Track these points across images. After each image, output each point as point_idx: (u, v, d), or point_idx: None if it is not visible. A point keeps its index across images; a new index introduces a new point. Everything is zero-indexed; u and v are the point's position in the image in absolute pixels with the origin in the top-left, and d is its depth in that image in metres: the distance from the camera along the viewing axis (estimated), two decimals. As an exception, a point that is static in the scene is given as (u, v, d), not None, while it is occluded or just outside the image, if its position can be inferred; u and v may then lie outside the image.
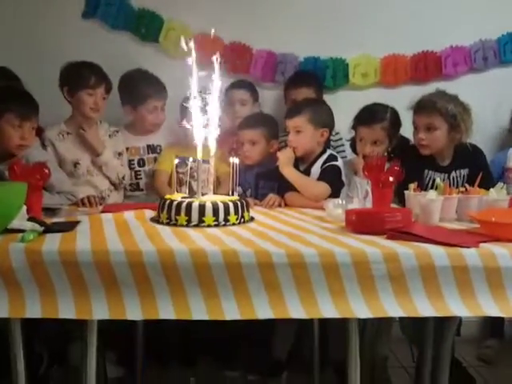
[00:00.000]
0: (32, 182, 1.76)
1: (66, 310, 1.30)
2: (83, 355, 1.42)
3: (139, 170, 2.64)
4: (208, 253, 1.33)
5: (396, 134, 2.34)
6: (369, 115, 2.31)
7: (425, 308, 1.32)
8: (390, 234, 1.48)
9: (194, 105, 1.83)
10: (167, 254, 1.32)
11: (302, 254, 1.33)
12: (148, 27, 2.88)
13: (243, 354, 2.32)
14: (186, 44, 1.82)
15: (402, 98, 2.39)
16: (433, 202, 1.71)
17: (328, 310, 1.30)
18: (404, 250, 1.36)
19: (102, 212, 1.99)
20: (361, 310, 1.31)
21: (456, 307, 1.33)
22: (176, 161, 2.07)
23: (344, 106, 2.61)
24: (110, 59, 2.62)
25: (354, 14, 2.89)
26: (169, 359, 2.35)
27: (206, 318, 1.29)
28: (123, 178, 2.55)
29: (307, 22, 2.87)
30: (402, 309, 1.32)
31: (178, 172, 2.44)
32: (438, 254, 1.35)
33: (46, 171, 1.81)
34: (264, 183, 2.42)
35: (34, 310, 1.29)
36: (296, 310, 1.30)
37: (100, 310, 1.30)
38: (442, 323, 1.45)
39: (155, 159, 2.64)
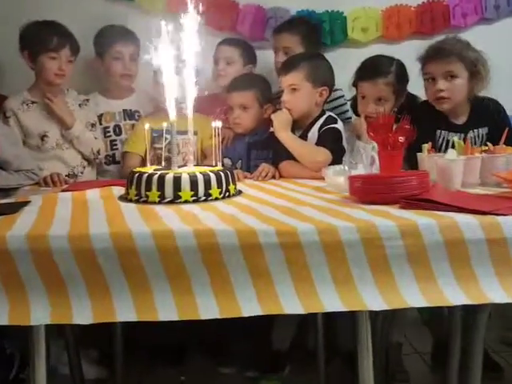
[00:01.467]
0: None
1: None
2: (30, 364, 1.15)
3: (115, 140, 2.34)
4: (176, 234, 1.04)
5: (403, 91, 2.03)
6: (371, 69, 2.00)
7: (454, 294, 1.04)
8: (405, 203, 1.20)
9: (167, 66, 1.54)
10: (123, 238, 1.04)
11: (296, 231, 1.05)
12: (121, -18, 2.56)
13: (239, 348, 2.05)
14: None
15: (407, 54, 2.09)
16: (453, 163, 1.43)
17: (332, 302, 1.02)
18: (425, 220, 1.07)
19: (64, 191, 1.71)
20: (373, 300, 1.02)
21: (494, 292, 1.05)
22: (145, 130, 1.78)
23: (343, 64, 2.30)
24: (78, 20, 2.34)
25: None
26: (154, 356, 2.08)
27: (175, 318, 1.01)
28: (98, 151, 2.26)
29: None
30: (425, 297, 1.04)
31: (155, 148, 2.16)
32: (467, 224, 1.07)
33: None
34: (257, 153, 2.13)
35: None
36: (291, 304, 1.02)
37: (40, 314, 1.02)
38: (472, 309, 1.16)
39: (133, 126, 2.34)
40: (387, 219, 1.09)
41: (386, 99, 1.98)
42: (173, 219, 1.18)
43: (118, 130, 2.35)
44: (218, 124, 1.65)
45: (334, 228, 1.05)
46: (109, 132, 2.33)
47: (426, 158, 1.56)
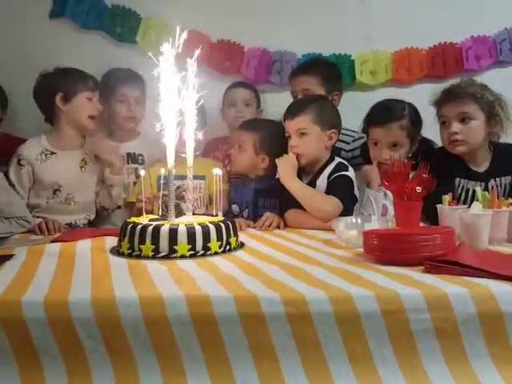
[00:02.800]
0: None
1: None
2: None
3: None
4: (166, 300, 0.91)
5: (417, 135, 1.92)
6: (384, 113, 1.90)
7: (491, 379, 0.89)
8: (430, 266, 1.06)
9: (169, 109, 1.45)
10: (106, 305, 0.90)
11: (305, 299, 0.91)
12: (123, 26, 2.52)
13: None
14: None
15: (419, 98, 2.02)
16: (480, 219, 1.28)
17: (347, 387, 0.87)
18: (455, 289, 0.93)
19: (54, 241, 1.58)
20: (397, 385, 0.87)
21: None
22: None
23: (351, 108, 2.21)
24: (81, 62, 2.26)
25: (358, 3, 2.50)
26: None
27: (163, 404, 0.86)
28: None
29: (304, 14, 2.49)
30: (457, 382, 0.88)
31: (163, 195, 2.04)
32: (504, 293, 0.93)
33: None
34: (264, 201, 1.99)
35: None
36: (299, 390, 0.87)
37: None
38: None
39: (136, 171, 2.24)
40: (411, 287, 0.95)
41: (400, 144, 1.87)
42: (165, 281, 1.05)
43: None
44: (218, 171, 1.53)
45: (349, 296, 0.91)
46: None
47: (448, 210, 1.43)
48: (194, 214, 1.54)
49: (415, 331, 0.90)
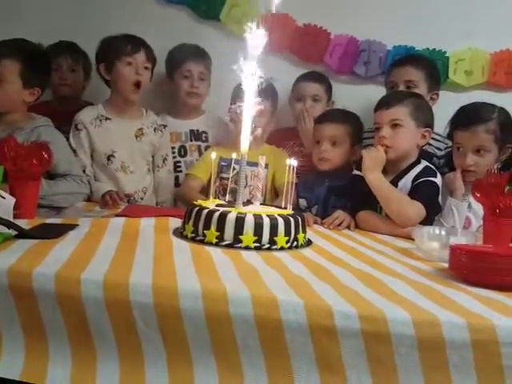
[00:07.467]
0: (26, 167, 1.37)
1: (10, 368, 0.85)
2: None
3: (179, 161, 2.20)
4: (230, 298, 0.83)
5: (508, 141, 1.73)
6: (469, 115, 1.73)
7: None
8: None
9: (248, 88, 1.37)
10: (167, 294, 0.84)
11: (385, 317, 0.81)
12: (209, 3, 2.46)
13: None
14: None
15: None
16: None
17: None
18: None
19: (119, 215, 1.55)
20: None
21: None
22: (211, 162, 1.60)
23: (441, 109, 2.03)
24: (163, 37, 2.25)
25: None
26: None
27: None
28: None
29: (397, 3, 2.32)
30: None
31: (221, 178, 1.99)
32: None
33: (46, 156, 1.40)
34: (336, 200, 1.87)
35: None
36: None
37: (58, 374, 0.84)
38: None
39: (199, 148, 2.21)
40: (507, 316, 0.82)
41: (486, 150, 1.69)
42: (230, 274, 0.98)
43: (183, 150, 2.22)
44: (293, 162, 1.44)
45: (437, 321, 0.80)
46: (174, 153, 2.19)
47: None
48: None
49: (506, 367, 0.79)
